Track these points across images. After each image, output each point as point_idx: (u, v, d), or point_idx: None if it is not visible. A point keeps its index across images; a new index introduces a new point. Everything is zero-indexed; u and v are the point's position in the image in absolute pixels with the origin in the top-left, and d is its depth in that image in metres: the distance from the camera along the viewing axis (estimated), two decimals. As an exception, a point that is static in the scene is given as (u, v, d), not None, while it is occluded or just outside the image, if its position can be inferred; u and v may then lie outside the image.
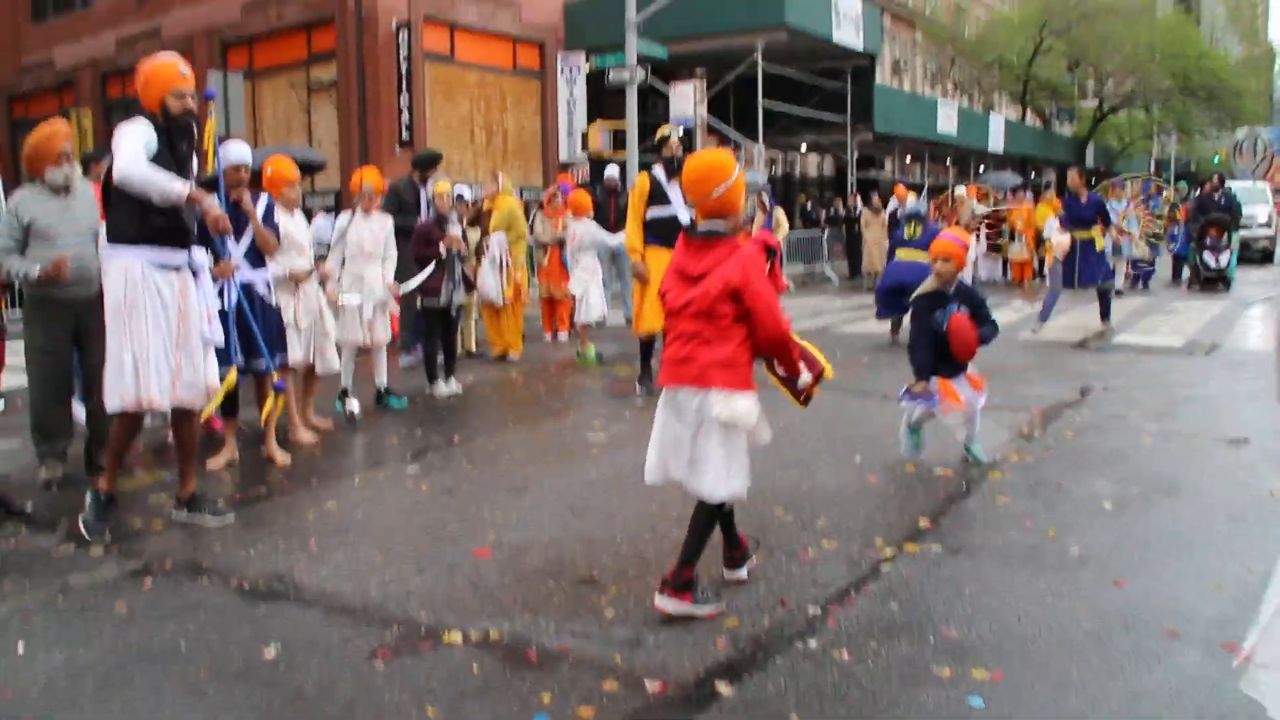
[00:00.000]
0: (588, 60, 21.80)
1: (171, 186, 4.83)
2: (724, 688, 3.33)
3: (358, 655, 3.62)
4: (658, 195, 8.59)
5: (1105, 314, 12.54)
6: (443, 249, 8.46)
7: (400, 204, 10.02)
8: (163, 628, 3.90)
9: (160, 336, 5.02)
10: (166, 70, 5.07)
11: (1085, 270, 12.32)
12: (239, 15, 22.64)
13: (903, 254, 11.98)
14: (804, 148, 32.89)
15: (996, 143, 35.83)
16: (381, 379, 8.26)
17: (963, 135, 33.06)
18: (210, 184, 5.87)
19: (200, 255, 5.35)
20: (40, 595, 4.30)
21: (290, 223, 6.95)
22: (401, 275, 8.40)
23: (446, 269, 8.53)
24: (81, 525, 5.06)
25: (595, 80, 21.59)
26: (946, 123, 31.89)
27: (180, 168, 5.05)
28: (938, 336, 5.92)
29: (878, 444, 6.57)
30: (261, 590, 4.29)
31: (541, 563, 4.53)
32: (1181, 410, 7.58)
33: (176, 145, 5.05)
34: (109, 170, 4.96)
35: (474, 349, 11.44)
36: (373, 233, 7.90)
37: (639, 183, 8.75)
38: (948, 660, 3.50)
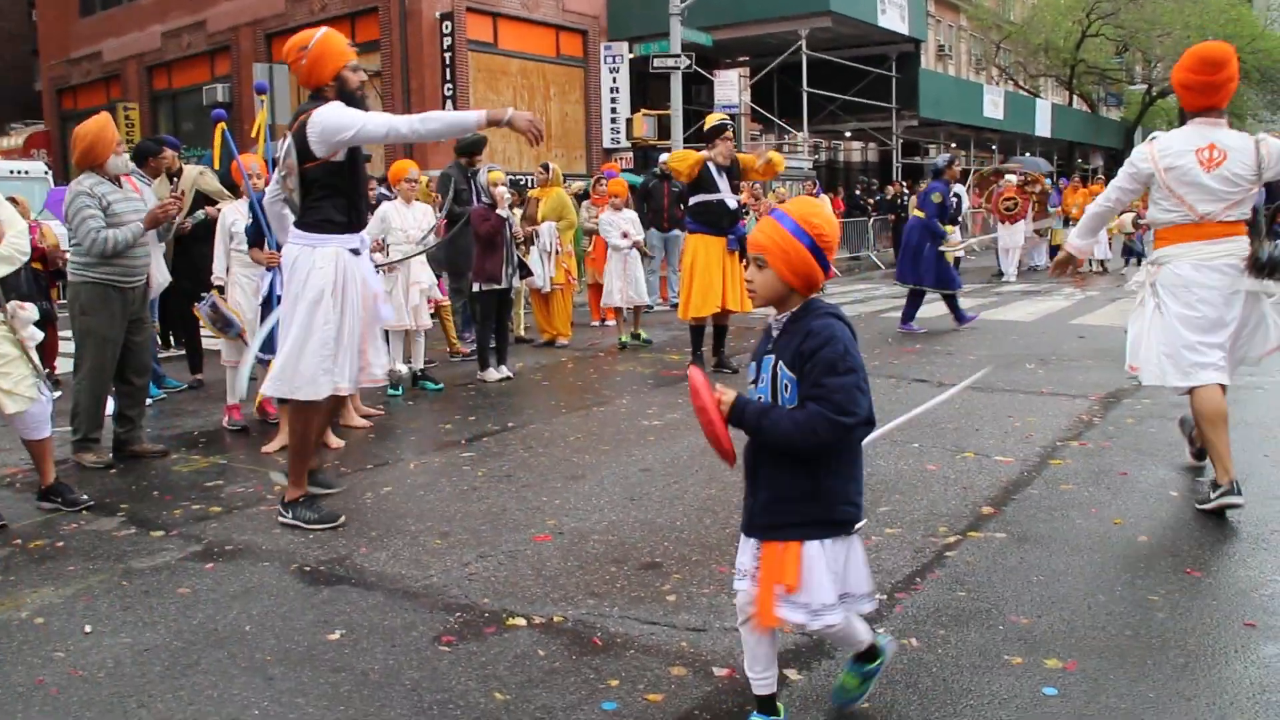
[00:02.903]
0: (631, 48, 21.74)
1: (468, 116, 4.79)
2: (793, 674, 3.28)
3: (422, 640, 3.60)
4: (706, 181, 8.60)
5: None
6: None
7: (454, 191, 9.98)
8: (227, 610, 3.92)
9: (359, 322, 4.93)
10: (338, 43, 4.93)
11: None
12: (283, 6, 22.81)
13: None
14: (848, 134, 32.65)
15: (1043, 127, 35.42)
16: (419, 363, 8.50)
17: (1009, 120, 32.70)
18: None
19: (366, 238, 5.19)
20: (104, 578, 4.33)
21: None
22: (459, 260, 8.67)
23: (505, 253, 8.57)
24: (298, 522, 4.92)
25: (638, 68, 21.53)
26: (992, 108, 31.56)
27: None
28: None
29: (935, 431, 6.48)
30: (323, 574, 4.29)
31: (603, 549, 4.51)
32: (1246, 398, 7.40)
33: None
34: (308, 161, 4.80)
35: (523, 334, 11.48)
36: (416, 220, 8.07)
37: (692, 154, 8.77)
38: (1019, 649, 3.43)
